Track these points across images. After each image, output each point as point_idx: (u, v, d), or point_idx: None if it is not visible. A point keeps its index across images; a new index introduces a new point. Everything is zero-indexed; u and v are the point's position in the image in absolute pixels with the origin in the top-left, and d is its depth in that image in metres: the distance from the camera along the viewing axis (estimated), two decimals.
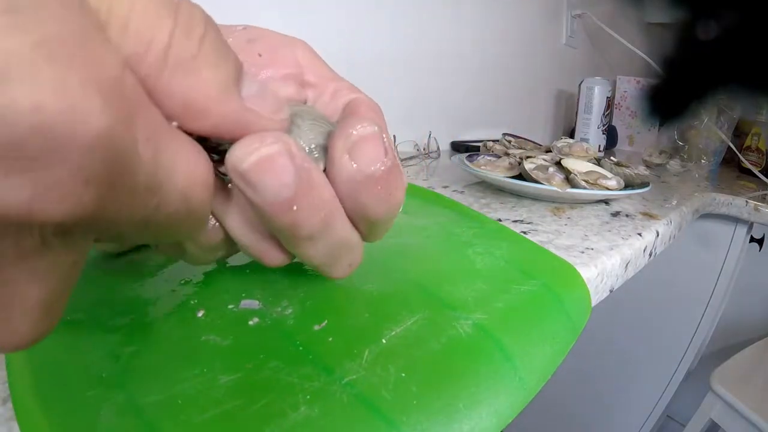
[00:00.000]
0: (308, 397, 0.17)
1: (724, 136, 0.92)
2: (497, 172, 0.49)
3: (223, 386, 0.17)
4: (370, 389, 0.17)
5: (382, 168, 0.14)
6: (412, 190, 0.49)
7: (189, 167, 0.11)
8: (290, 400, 0.17)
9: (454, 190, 0.51)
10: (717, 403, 0.75)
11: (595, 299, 0.31)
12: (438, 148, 0.79)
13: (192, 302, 0.23)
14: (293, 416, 0.16)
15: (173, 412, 0.16)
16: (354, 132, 0.14)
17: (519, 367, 0.20)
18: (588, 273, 0.31)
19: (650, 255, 0.41)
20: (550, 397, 1.08)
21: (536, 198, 0.49)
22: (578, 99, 1.02)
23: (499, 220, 0.41)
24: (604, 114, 1.01)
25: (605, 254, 0.34)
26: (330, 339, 0.20)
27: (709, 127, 0.96)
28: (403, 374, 0.18)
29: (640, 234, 0.39)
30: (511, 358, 0.20)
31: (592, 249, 0.35)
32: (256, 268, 0.27)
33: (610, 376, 1.01)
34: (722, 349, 0.88)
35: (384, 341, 0.20)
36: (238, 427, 0.15)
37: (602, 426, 1.03)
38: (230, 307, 0.23)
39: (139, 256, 0.29)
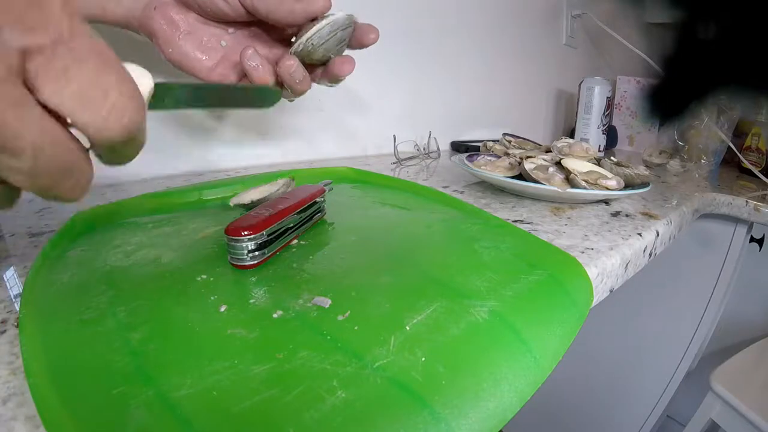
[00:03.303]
0: (343, 382, 0.17)
1: (724, 136, 0.92)
2: (497, 172, 0.49)
3: (257, 376, 0.18)
4: (401, 372, 0.18)
5: None
6: (415, 188, 0.49)
7: None
8: (326, 386, 0.17)
9: (454, 190, 0.52)
10: (717, 403, 0.75)
11: (595, 299, 0.31)
12: (438, 148, 0.79)
13: (212, 298, 0.24)
14: (331, 400, 0.16)
15: (209, 404, 0.16)
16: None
17: (533, 348, 0.21)
18: (588, 273, 0.31)
19: (650, 255, 0.41)
20: (551, 397, 1.09)
21: (536, 198, 0.49)
22: (578, 99, 1.02)
23: None
24: (604, 114, 1.01)
25: (605, 254, 0.34)
26: (356, 328, 0.21)
27: (709, 127, 0.96)
28: (430, 357, 0.19)
29: (640, 234, 0.39)
30: (525, 340, 0.22)
31: (592, 249, 0.35)
32: (274, 265, 0.28)
33: (610, 375, 1.01)
34: (722, 349, 0.88)
35: (408, 328, 0.21)
36: (278, 414, 0.16)
37: (603, 426, 1.03)
38: (251, 301, 0.24)
39: (149, 254, 0.29)
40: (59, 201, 0.18)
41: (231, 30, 0.37)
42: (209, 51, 0.36)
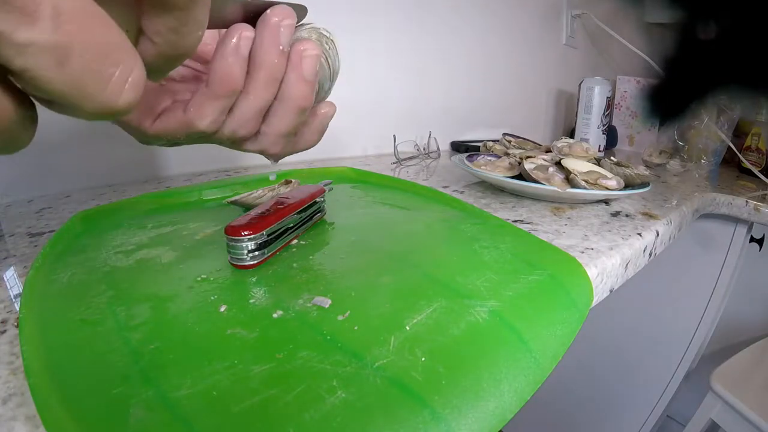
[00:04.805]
0: (343, 382, 0.17)
1: (724, 136, 0.92)
2: (497, 172, 0.49)
3: (257, 376, 0.18)
4: (401, 372, 0.18)
5: None
6: (415, 188, 0.49)
7: None
8: (326, 386, 0.17)
9: (454, 190, 0.52)
10: (717, 403, 0.75)
11: (595, 299, 0.31)
12: (438, 148, 0.79)
13: (212, 298, 0.24)
14: (331, 400, 0.16)
15: (209, 404, 0.16)
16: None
17: (533, 348, 0.21)
18: (588, 273, 0.31)
19: (650, 255, 0.41)
20: (551, 397, 1.09)
21: (536, 198, 0.49)
22: (578, 99, 1.02)
23: None
24: (604, 114, 1.01)
25: (605, 254, 0.34)
26: (355, 328, 0.21)
27: (709, 127, 0.96)
28: (430, 357, 0.19)
29: (640, 234, 0.39)
30: (525, 341, 0.22)
31: (592, 249, 0.35)
32: (274, 265, 0.28)
33: (610, 376, 1.01)
34: (722, 349, 0.88)
35: (408, 328, 0.21)
36: (278, 414, 0.16)
37: (603, 426, 1.03)
38: (251, 301, 0.24)
39: (149, 254, 0.29)
40: (101, 113, 0.13)
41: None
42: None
